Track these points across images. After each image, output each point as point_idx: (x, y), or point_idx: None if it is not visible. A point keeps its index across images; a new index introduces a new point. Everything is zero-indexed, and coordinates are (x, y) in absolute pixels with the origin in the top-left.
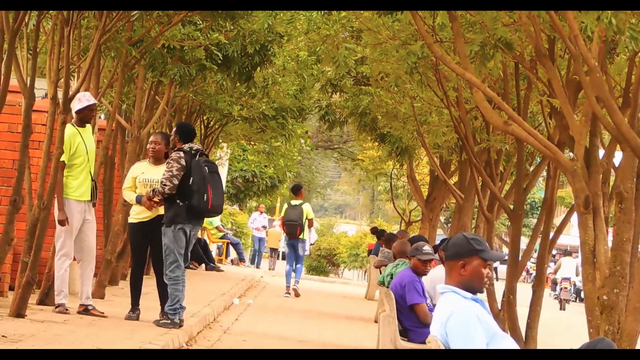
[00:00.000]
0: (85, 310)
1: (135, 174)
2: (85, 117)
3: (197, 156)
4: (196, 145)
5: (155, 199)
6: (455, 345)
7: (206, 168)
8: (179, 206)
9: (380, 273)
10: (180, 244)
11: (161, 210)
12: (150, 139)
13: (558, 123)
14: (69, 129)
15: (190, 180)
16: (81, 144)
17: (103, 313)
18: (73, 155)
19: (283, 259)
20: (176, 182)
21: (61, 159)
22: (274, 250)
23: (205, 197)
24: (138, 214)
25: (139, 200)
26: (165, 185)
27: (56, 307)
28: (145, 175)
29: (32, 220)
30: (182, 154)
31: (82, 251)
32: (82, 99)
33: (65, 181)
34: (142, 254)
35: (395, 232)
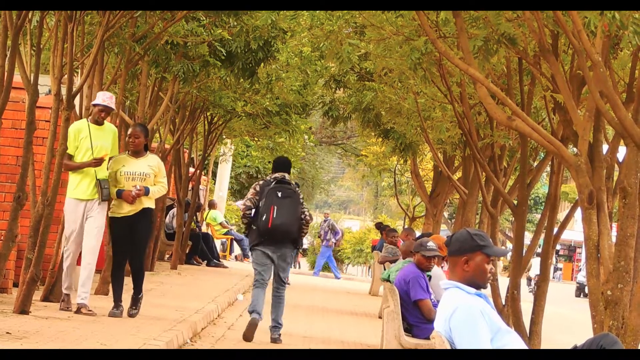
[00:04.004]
0: (77, 310)
1: (115, 167)
2: (97, 114)
3: (274, 183)
4: (280, 175)
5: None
6: (459, 340)
7: (279, 193)
8: (252, 230)
9: (385, 269)
10: (259, 260)
11: (145, 203)
12: (129, 132)
13: (562, 118)
14: (77, 123)
15: (260, 205)
16: (86, 140)
17: (91, 312)
18: (76, 150)
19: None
20: (249, 204)
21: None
22: None
23: (265, 217)
24: (121, 209)
25: (119, 195)
26: (242, 210)
27: (62, 300)
28: (127, 169)
29: (36, 217)
30: (260, 182)
31: (83, 250)
32: (98, 97)
33: (69, 180)
34: (125, 249)
35: (396, 227)
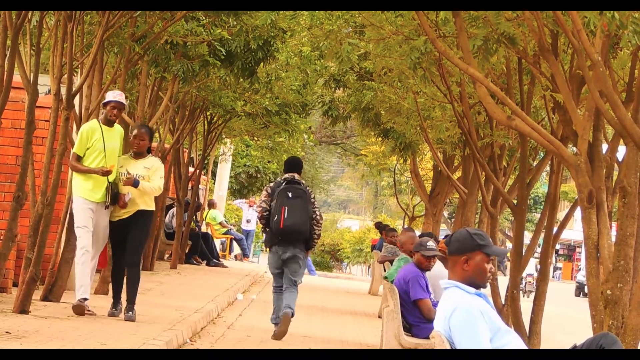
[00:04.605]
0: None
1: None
2: (110, 113)
3: (284, 184)
4: (290, 176)
5: None
6: (459, 340)
7: (289, 193)
8: (267, 231)
9: (385, 269)
10: (273, 263)
11: (141, 205)
12: (134, 133)
13: (561, 118)
14: (90, 123)
15: (272, 207)
16: (99, 142)
17: (91, 311)
18: (87, 151)
19: None
20: (264, 205)
21: (73, 151)
22: None
23: (276, 218)
24: (116, 212)
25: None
26: (259, 212)
27: (76, 302)
28: (124, 170)
29: (36, 217)
30: (271, 185)
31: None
32: (108, 95)
33: (75, 180)
34: (124, 251)
35: (395, 227)
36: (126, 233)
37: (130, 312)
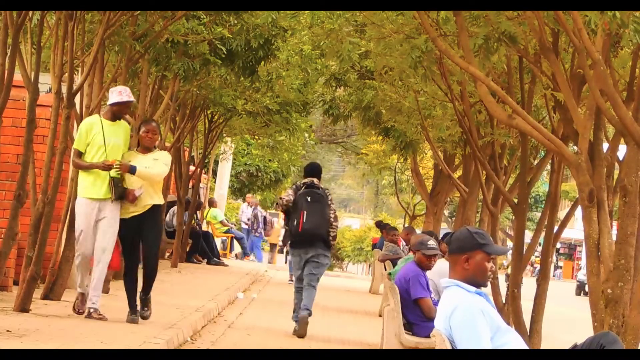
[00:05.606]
0: (88, 314)
1: None
2: (118, 111)
3: (303, 188)
4: (309, 180)
5: None
6: (459, 339)
7: (308, 198)
8: (286, 231)
9: (385, 267)
10: (295, 263)
11: (156, 199)
12: (146, 128)
13: (562, 117)
14: (89, 118)
15: (291, 209)
16: (98, 136)
17: (102, 316)
18: (87, 147)
19: (280, 252)
20: (289, 198)
21: (73, 147)
22: (273, 245)
23: (295, 222)
24: (131, 208)
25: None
26: (285, 200)
27: (76, 299)
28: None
29: (36, 215)
30: (294, 187)
31: (95, 251)
32: (123, 93)
33: (79, 178)
34: (137, 251)
35: (396, 226)
36: (140, 229)
37: (146, 311)
